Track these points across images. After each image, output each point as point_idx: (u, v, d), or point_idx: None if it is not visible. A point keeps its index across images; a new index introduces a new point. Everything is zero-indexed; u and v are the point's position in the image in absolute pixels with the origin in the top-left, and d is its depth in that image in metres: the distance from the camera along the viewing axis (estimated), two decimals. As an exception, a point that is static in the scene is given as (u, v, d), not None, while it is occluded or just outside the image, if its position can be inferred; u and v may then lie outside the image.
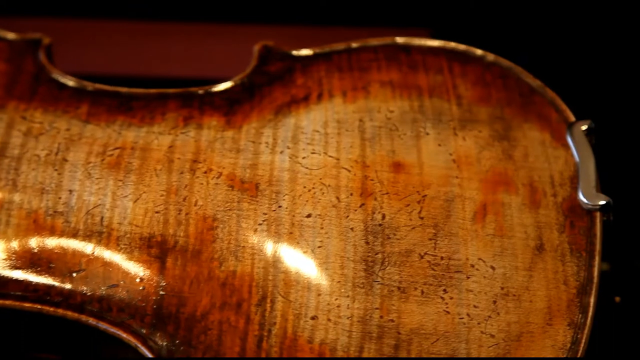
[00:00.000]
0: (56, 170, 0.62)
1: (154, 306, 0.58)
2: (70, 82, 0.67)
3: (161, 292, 0.58)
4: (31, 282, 0.59)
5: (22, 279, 0.59)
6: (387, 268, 0.59)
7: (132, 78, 0.81)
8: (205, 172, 0.62)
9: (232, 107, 0.66)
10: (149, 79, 0.83)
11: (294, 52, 0.69)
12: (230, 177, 0.62)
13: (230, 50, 0.87)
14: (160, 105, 0.66)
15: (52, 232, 0.60)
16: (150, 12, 0.85)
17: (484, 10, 0.88)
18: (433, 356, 0.56)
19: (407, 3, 0.88)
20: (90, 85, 0.67)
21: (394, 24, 0.88)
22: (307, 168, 0.62)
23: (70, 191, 0.61)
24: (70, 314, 0.58)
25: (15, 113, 0.65)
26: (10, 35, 0.69)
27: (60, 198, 0.61)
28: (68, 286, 0.59)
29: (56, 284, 0.59)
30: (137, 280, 0.59)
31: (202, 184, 0.62)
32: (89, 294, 0.59)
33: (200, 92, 0.67)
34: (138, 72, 0.85)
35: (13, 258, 0.59)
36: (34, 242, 0.60)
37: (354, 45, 0.70)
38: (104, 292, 0.59)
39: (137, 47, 0.86)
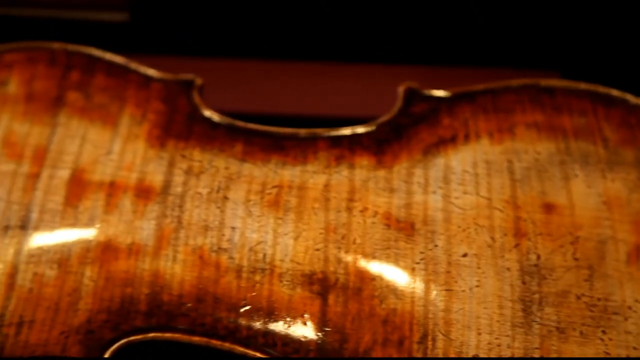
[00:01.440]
0: (218, 207, 0.64)
1: (318, 342, 0.60)
2: (223, 121, 0.69)
3: (324, 328, 0.60)
4: (198, 316, 0.61)
5: (189, 313, 0.61)
6: (545, 308, 0.60)
7: (277, 116, 0.83)
8: (362, 211, 0.64)
9: (380, 147, 0.67)
10: (292, 117, 0.86)
11: (437, 93, 0.71)
12: (386, 216, 0.64)
13: (362, 89, 0.89)
14: (311, 144, 0.68)
15: (217, 268, 0.62)
16: (290, 51, 0.88)
17: (612, 51, 0.89)
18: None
19: (535, 45, 0.89)
20: (241, 124, 0.69)
21: (522, 66, 0.89)
22: (460, 208, 0.64)
23: (233, 228, 0.64)
24: (237, 347, 0.60)
25: (175, 151, 0.67)
26: (157, 74, 0.71)
27: (223, 235, 0.63)
28: (233, 320, 0.61)
29: (222, 318, 0.61)
30: (300, 316, 0.61)
31: (359, 222, 0.64)
32: (254, 328, 0.61)
33: (348, 132, 0.68)
34: (282, 110, 0.87)
35: (181, 293, 0.62)
36: (200, 278, 0.62)
37: (496, 86, 0.71)
38: (268, 327, 0.60)
39: (279, 86, 0.88)
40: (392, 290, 0.61)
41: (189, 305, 0.61)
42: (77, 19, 0.84)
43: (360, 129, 0.69)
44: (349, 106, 0.88)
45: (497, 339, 0.59)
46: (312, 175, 0.66)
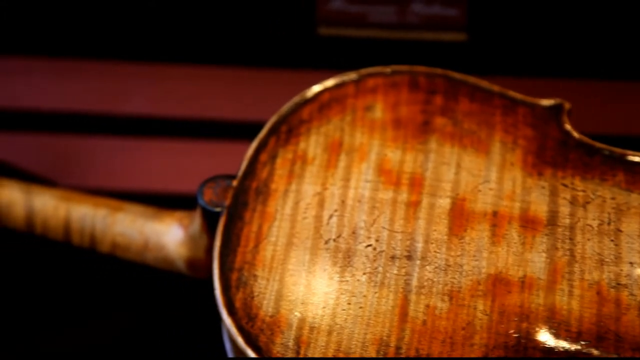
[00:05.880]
0: (612, 241, 0.62)
1: None
2: (600, 147, 0.66)
3: None
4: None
5: (592, 354, 0.58)
6: None
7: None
8: None
9: None
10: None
11: None
12: None
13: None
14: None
15: (618, 304, 0.59)
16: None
17: None
18: None
19: None
20: (619, 153, 0.66)
21: None
22: None
23: (631, 263, 0.61)
24: None
25: (554, 180, 0.65)
26: (520, 97, 0.69)
27: (621, 270, 0.60)
28: (638, 362, 0.58)
29: (627, 358, 0.58)
30: None
31: None
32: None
33: None
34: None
35: (579, 330, 0.59)
36: (599, 315, 0.59)
37: None
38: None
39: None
40: None
41: (587, 342, 0.59)
42: (415, 39, 0.83)
43: None
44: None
45: None
46: None
